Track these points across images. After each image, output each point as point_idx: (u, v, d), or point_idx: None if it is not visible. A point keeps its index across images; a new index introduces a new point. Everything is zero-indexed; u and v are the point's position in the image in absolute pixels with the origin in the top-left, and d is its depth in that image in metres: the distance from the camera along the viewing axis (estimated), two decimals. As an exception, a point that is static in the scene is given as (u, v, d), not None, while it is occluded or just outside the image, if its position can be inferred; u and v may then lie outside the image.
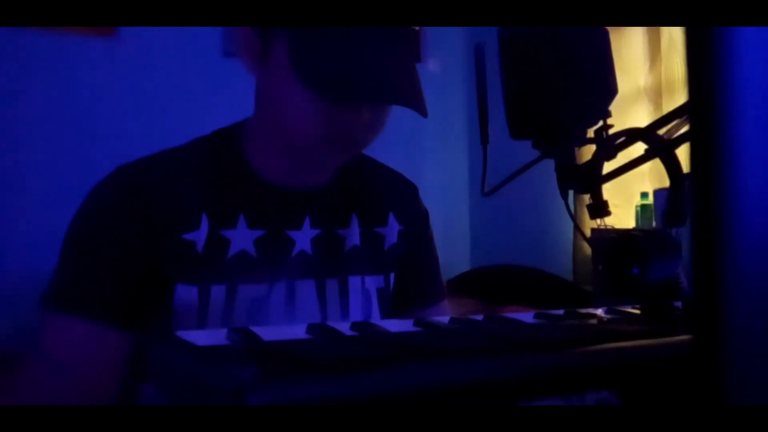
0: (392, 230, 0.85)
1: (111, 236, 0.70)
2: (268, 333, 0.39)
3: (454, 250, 2.83)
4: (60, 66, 2.01)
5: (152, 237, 0.70)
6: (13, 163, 1.93)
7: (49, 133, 1.98)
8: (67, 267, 0.70)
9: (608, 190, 0.54)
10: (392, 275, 0.85)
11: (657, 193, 1.90)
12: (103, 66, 2.07)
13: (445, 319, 0.47)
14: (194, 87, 2.16)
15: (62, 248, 0.71)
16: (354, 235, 0.81)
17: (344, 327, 0.43)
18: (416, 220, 0.90)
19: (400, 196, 0.89)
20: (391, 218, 0.86)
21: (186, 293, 0.70)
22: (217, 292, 0.71)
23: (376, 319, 0.81)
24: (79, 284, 0.69)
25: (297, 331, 0.42)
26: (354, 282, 0.80)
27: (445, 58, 2.80)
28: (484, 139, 0.59)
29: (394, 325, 0.44)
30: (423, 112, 0.67)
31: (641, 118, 2.05)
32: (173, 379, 0.36)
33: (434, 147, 2.85)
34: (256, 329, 0.40)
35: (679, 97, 2.00)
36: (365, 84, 0.65)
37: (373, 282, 0.83)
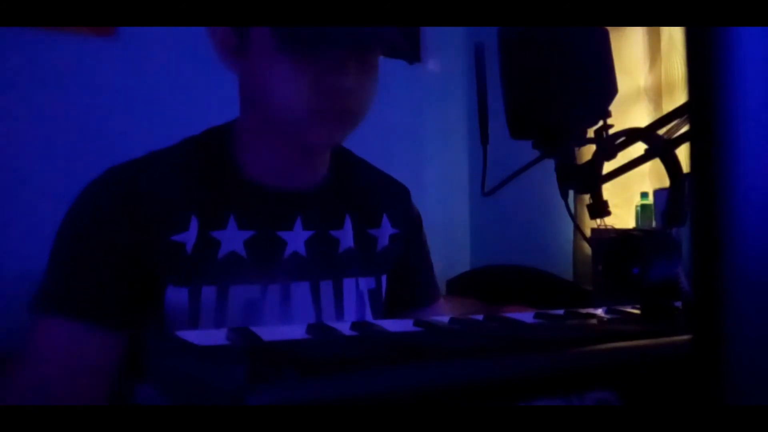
0: (385, 232, 0.85)
1: (101, 238, 0.69)
2: (267, 333, 0.39)
3: (454, 250, 2.83)
4: (59, 66, 2.01)
5: (142, 238, 0.69)
6: (9, 163, 1.92)
7: (47, 133, 1.98)
8: (57, 269, 0.70)
9: (608, 190, 0.54)
10: (384, 277, 0.85)
11: (657, 193, 1.90)
12: (102, 66, 2.07)
13: (445, 319, 0.47)
14: (194, 87, 2.15)
15: (52, 250, 0.71)
16: (348, 237, 0.81)
17: (344, 327, 0.43)
18: (409, 223, 0.90)
19: (393, 198, 0.89)
20: (385, 220, 0.86)
21: (176, 295, 0.70)
22: (208, 293, 0.71)
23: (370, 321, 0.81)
24: (69, 286, 0.68)
25: (297, 331, 0.42)
26: (348, 284, 0.80)
27: (445, 58, 2.80)
28: (484, 139, 0.59)
29: (394, 325, 0.44)
30: (408, 58, 0.68)
31: (641, 118, 2.05)
32: (172, 379, 0.36)
33: (434, 147, 2.85)
34: (255, 329, 0.40)
35: (679, 97, 2.00)
36: (346, 31, 0.65)
37: (366, 284, 0.82)
